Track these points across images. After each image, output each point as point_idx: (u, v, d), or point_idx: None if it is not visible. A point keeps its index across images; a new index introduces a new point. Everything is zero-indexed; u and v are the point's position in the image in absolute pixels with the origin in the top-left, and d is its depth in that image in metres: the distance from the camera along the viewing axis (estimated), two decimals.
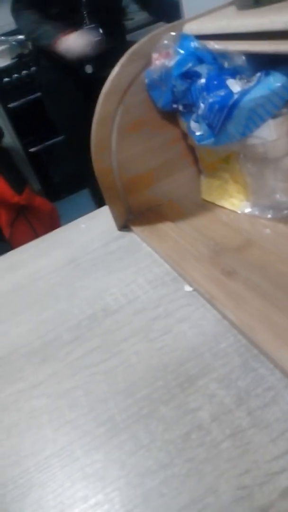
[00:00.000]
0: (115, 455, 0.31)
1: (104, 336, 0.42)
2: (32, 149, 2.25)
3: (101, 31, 1.37)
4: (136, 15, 2.45)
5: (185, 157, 0.57)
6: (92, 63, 1.41)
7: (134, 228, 0.56)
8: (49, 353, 0.42)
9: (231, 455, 0.29)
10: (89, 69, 1.42)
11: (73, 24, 1.36)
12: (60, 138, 2.40)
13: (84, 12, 1.36)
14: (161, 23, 1.70)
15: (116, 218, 0.57)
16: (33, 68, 2.17)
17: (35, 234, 1.65)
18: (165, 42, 0.49)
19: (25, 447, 0.34)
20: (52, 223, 1.68)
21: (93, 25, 1.38)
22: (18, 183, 1.53)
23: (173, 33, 0.48)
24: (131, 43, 0.50)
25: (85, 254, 0.55)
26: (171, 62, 0.47)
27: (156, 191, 0.57)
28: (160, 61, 0.49)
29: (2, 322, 0.49)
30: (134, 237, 0.55)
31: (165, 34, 0.48)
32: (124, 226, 0.57)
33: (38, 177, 2.35)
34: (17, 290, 0.53)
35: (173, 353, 0.38)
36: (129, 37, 1.97)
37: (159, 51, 0.49)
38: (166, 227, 0.54)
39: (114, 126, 0.50)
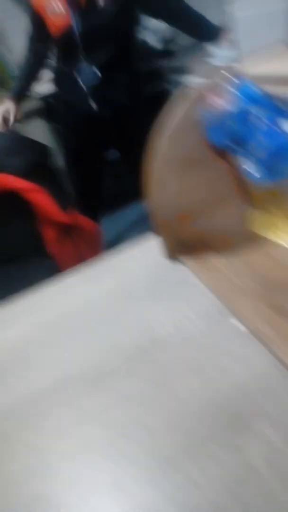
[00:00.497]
0: (165, 488, 0.32)
1: (153, 367, 0.43)
2: None
3: (97, 72, 1.42)
4: (180, 38, 2.51)
5: (236, 191, 0.58)
6: (95, 99, 1.49)
7: (183, 259, 0.57)
8: (102, 382, 0.44)
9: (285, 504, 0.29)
10: (93, 104, 1.49)
11: (72, 64, 1.43)
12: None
13: (80, 54, 1.40)
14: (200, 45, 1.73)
15: (166, 248, 0.59)
16: None
17: (78, 252, 1.71)
18: (222, 82, 0.51)
19: (79, 472, 0.36)
20: (94, 242, 1.73)
21: (89, 66, 1.42)
22: (63, 202, 1.59)
23: (229, 74, 0.50)
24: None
25: (135, 282, 0.57)
26: (226, 103, 0.49)
27: (206, 223, 0.58)
28: (216, 101, 0.51)
29: (56, 346, 0.51)
30: (183, 268, 0.57)
31: (222, 74, 0.51)
32: (174, 256, 0.59)
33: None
34: (69, 314, 0.56)
35: (222, 389, 0.38)
36: (173, 61, 2.02)
37: (215, 92, 0.51)
38: (215, 260, 0.55)
39: (167, 162, 0.52)
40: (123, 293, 0.56)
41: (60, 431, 0.40)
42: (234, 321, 0.45)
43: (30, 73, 1.54)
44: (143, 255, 0.63)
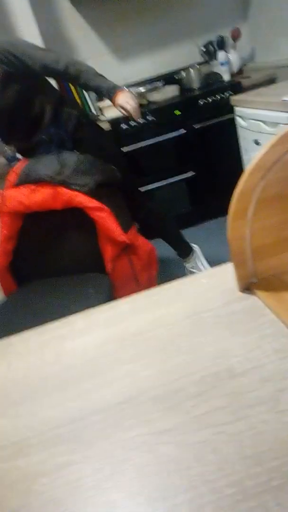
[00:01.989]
0: None
1: (229, 397, 0.44)
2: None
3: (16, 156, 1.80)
4: (253, 73, 2.56)
5: None
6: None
7: (257, 292, 0.58)
8: (174, 403, 0.45)
9: None
10: None
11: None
12: (162, 182, 2.59)
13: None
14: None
15: (239, 279, 0.60)
16: (150, 118, 2.38)
17: (133, 271, 1.75)
18: None
19: (154, 489, 0.37)
20: (149, 262, 1.76)
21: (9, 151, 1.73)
22: (126, 223, 1.64)
23: None
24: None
25: (207, 310, 0.59)
26: None
27: (283, 258, 0.59)
28: None
29: (128, 363, 0.53)
30: (257, 301, 0.57)
31: None
32: (247, 288, 0.60)
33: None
34: (141, 335, 0.58)
35: None
36: (243, 96, 2.06)
37: None
38: None
39: (253, 198, 0.54)
40: (195, 319, 0.58)
41: (136, 442, 0.42)
42: None
43: None
44: (216, 284, 0.64)
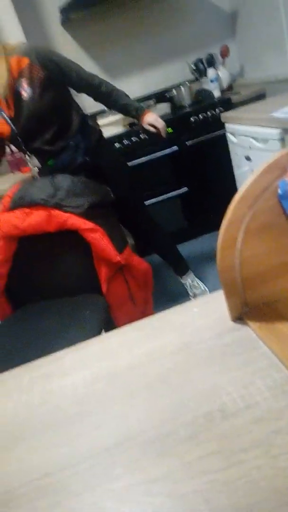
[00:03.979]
0: None
1: (221, 440, 0.42)
2: None
3: (34, 160, 1.83)
4: (242, 88, 2.59)
5: None
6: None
7: (249, 322, 0.57)
8: (165, 447, 0.44)
9: None
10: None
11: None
12: (157, 198, 2.59)
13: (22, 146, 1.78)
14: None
15: (231, 309, 0.59)
16: (142, 136, 2.40)
17: (129, 291, 1.73)
18: None
19: None
20: (145, 282, 1.75)
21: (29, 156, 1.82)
22: (120, 242, 1.63)
23: None
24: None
25: (198, 342, 0.57)
26: None
27: (274, 287, 0.58)
28: None
29: (117, 403, 0.52)
30: (249, 332, 0.56)
31: None
32: (239, 318, 0.59)
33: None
34: (132, 370, 0.56)
35: None
36: (234, 112, 2.08)
37: None
38: (283, 327, 0.54)
39: (241, 228, 0.53)
40: (186, 352, 0.56)
41: (124, 493, 0.40)
42: None
43: None
44: (207, 313, 0.63)
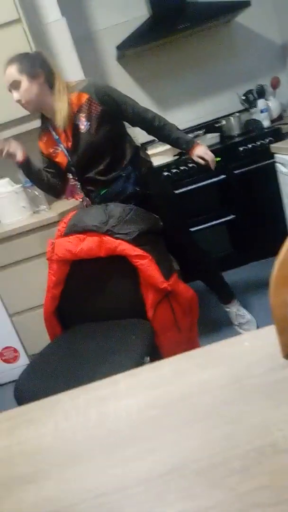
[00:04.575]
0: None
1: (273, 475, 0.44)
2: None
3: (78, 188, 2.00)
4: None
5: None
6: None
7: None
8: (217, 477, 0.45)
9: None
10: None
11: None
12: (204, 225, 2.62)
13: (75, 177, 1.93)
14: None
15: (283, 346, 0.60)
16: (190, 165, 2.46)
17: (174, 317, 1.75)
18: None
19: None
20: (190, 309, 1.76)
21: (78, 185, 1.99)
22: (167, 269, 1.67)
23: None
24: None
25: (250, 376, 0.59)
26: None
27: None
28: None
29: (171, 430, 0.54)
30: None
31: None
32: None
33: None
34: (185, 400, 0.59)
35: None
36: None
37: None
38: None
39: None
40: (238, 385, 0.58)
41: None
42: None
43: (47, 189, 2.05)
44: (259, 348, 0.64)
